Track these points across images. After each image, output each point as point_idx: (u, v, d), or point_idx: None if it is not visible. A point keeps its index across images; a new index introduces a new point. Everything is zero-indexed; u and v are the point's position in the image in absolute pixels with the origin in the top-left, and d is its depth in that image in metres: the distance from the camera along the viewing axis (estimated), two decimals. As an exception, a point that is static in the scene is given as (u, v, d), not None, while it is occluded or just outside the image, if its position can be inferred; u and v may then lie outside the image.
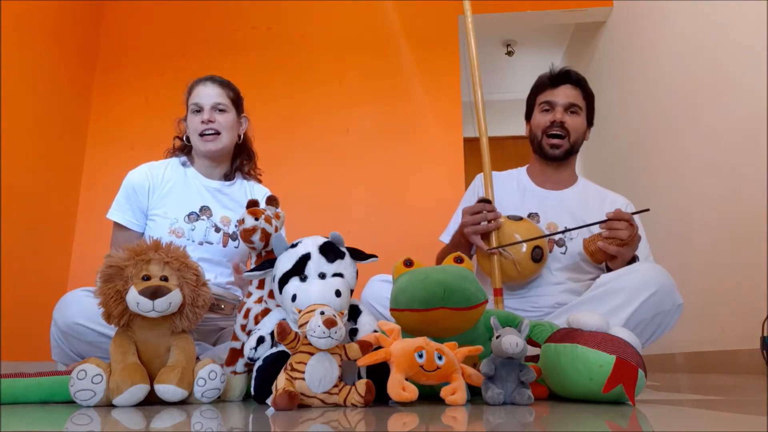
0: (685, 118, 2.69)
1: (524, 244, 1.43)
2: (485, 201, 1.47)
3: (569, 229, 1.51)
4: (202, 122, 1.58)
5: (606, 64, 3.76)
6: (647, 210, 1.46)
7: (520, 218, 1.49)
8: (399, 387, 0.92)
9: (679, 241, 2.66)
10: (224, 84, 1.64)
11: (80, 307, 1.30)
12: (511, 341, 0.94)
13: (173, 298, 0.99)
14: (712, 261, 2.41)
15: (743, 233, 2.19)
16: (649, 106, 3.08)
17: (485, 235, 1.45)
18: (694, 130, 2.60)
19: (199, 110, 1.60)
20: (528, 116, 1.68)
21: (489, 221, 1.44)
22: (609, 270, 1.46)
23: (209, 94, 1.60)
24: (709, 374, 2.24)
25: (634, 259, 1.44)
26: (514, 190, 1.66)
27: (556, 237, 1.55)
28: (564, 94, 1.59)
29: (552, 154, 1.60)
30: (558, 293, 1.52)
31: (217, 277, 1.56)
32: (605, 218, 1.39)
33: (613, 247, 1.38)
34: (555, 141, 1.59)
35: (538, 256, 1.45)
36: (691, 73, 2.64)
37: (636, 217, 1.43)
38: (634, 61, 3.32)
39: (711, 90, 2.47)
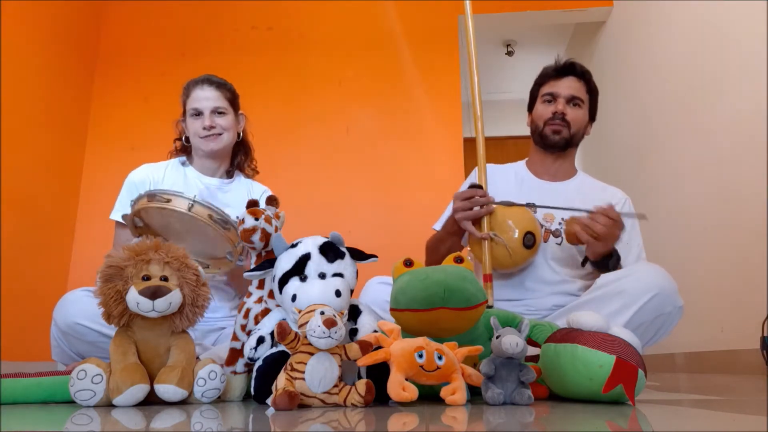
0: (685, 118, 2.69)
1: (516, 230, 1.42)
2: (477, 186, 1.45)
3: (555, 207, 1.48)
4: (204, 128, 1.59)
5: (606, 63, 3.76)
6: (643, 217, 1.44)
7: (512, 204, 1.48)
8: (399, 387, 0.92)
9: (679, 241, 2.66)
10: (221, 85, 1.64)
11: (80, 307, 1.30)
12: (511, 341, 0.94)
13: (173, 298, 0.99)
14: (711, 261, 2.41)
15: (743, 233, 2.19)
16: (649, 105, 3.08)
17: (477, 221, 1.44)
18: (694, 130, 2.60)
19: (198, 114, 1.61)
20: (530, 107, 1.66)
21: (481, 207, 1.42)
22: (586, 257, 1.45)
23: (208, 98, 1.61)
24: (709, 374, 2.24)
25: (611, 255, 1.41)
26: (511, 181, 1.64)
27: (553, 228, 1.54)
28: (567, 86, 1.58)
29: (553, 139, 1.58)
30: (555, 294, 1.51)
31: (215, 276, 1.56)
32: (593, 209, 1.37)
33: (585, 235, 1.36)
34: (556, 127, 1.57)
35: (530, 242, 1.43)
36: (691, 73, 2.64)
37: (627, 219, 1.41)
38: (634, 61, 3.32)
39: (711, 89, 2.47)
